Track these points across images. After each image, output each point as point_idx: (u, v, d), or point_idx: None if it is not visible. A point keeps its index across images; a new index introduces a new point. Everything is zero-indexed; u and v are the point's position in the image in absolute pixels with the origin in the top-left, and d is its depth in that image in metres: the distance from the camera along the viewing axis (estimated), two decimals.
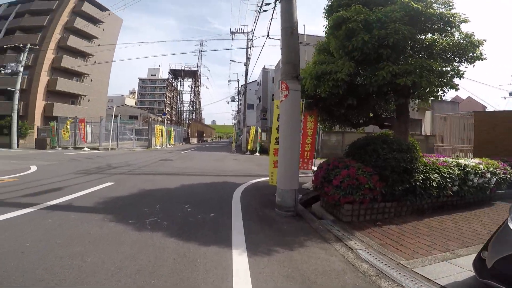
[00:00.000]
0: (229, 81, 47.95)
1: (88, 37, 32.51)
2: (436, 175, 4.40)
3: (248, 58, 22.14)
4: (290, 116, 4.52)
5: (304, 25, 26.52)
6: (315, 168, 6.94)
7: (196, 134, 47.87)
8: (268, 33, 10.98)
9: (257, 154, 19.01)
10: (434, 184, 4.29)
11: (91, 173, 7.78)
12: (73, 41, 29.85)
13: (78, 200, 4.70)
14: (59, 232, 3.18)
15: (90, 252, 2.64)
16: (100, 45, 31.29)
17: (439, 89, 4.91)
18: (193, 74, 62.77)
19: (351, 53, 4.67)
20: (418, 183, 4.17)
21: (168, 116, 61.04)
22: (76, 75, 31.55)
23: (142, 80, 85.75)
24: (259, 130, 20.07)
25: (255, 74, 41.04)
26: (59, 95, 29.10)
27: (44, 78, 27.42)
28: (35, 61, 26.75)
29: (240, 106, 38.19)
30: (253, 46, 17.50)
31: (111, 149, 18.38)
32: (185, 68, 60.64)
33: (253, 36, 17.01)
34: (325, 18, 5.56)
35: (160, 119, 36.68)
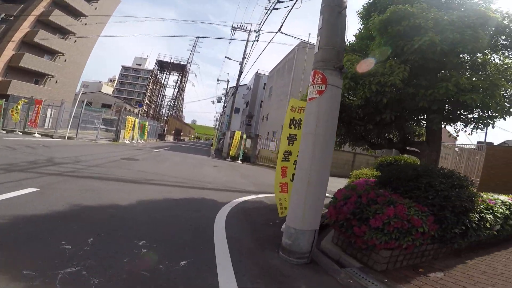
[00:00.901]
0: (218, 80, 44.82)
1: (76, 14, 29.63)
2: (490, 216, 3.82)
3: (245, 57, 20.46)
4: (324, 124, 3.06)
5: (309, 34, 25.47)
6: None
7: (173, 132, 45.18)
8: (281, 27, 9.35)
9: (239, 161, 17.22)
10: (488, 225, 3.72)
11: (15, 169, 5.54)
12: (57, 16, 26.75)
13: None
14: None
15: None
16: (86, 24, 28.57)
17: (503, 115, 3.95)
18: (181, 69, 60.48)
19: (404, 55, 3.78)
20: (473, 225, 3.53)
21: (146, 109, 57.82)
22: (48, 53, 28.33)
23: (125, 68, 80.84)
24: (244, 136, 18.32)
25: (246, 79, 39.51)
26: (22, 72, 25.74)
27: (7, 53, 24.05)
28: (5, 33, 23.61)
29: (225, 108, 36.37)
30: (257, 40, 15.74)
31: (68, 138, 15.68)
32: (174, 61, 58.32)
33: (260, 30, 15.21)
34: (360, 17, 5.28)
35: (136, 110, 33.74)
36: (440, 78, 3.67)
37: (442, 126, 4.71)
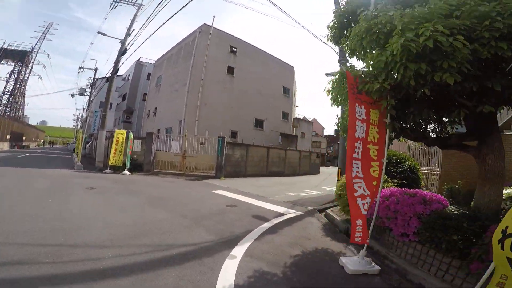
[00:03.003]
0: (80, 68, 32.47)
1: None
2: None
3: (129, 34, 14.79)
4: None
5: (214, 16, 21.99)
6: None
7: (8, 137, 31.75)
8: None
9: (126, 172, 12.36)
10: None
11: None
12: None
13: None
14: None
15: None
16: None
17: None
18: (20, 57, 44.58)
19: None
20: None
21: None
22: None
23: None
24: (131, 136, 13.33)
25: (122, 70, 31.45)
26: None
27: None
28: None
29: (91, 103, 28.02)
30: None
31: None
32: (9, 47, 42.16)
33: None
34: None
35: None
36: None
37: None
